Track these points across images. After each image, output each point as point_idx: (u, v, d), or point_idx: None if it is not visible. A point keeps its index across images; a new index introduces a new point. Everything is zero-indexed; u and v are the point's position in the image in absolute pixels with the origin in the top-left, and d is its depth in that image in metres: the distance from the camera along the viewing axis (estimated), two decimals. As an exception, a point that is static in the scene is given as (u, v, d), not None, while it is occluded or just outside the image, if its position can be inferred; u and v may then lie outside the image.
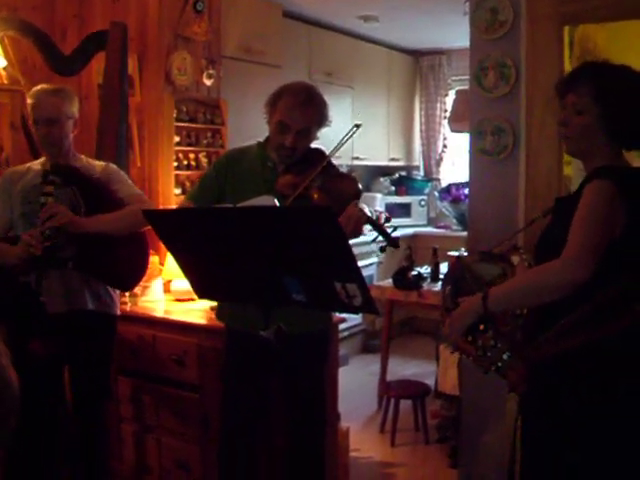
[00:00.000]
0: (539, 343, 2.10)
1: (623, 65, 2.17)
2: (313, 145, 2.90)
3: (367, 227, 2.62)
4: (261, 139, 2.95)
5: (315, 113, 2.79)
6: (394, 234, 2.62)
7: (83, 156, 3.29)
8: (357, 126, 2.68)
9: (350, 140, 2.68)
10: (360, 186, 2.80)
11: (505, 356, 2.15)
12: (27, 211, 3.06)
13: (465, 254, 3.75)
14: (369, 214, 2.60)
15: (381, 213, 2.67)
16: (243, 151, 2.99)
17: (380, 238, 2.62)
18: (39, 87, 3.12)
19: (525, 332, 2.17)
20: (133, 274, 3.27)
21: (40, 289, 2.91)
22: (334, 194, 2.66)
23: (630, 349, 2.03)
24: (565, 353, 2.06)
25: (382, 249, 2.65)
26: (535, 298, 2.08)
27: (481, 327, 2.19)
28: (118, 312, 3.29)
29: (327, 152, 2.83)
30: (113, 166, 3.31)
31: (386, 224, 2.64)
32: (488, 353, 2.17)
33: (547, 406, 2.14)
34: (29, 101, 3.10)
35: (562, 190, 3.08)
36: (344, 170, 6.15)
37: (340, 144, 2.68)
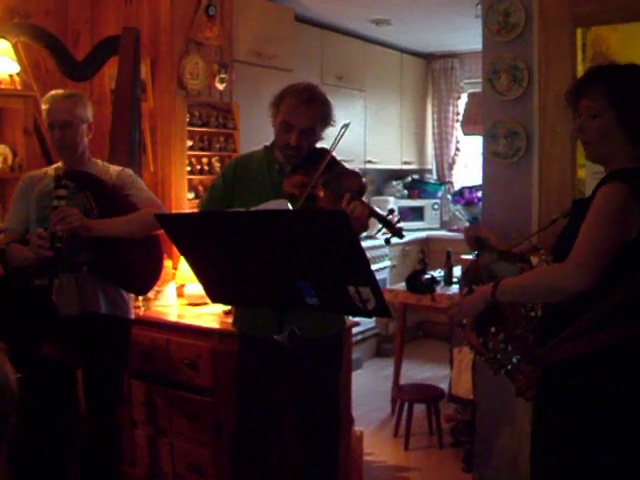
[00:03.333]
0: (553, 345, 2.08)
1: (631, 64, 2.16)
2: (318, 145, 2.90)
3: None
4: (268, 143, 2.95)
5: (318, 112, 2.80)
6: (399, 225, 2.62)
7: (99, 160, 3.30)
8: (345, 126, 2.71)
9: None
10: (364, 180, 2.80)
11: (515, 359, 2.14)
12: (42, 215, 3.08)
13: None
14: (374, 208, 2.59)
15: (393, 211, 2.67)
16: (250, 157, 3.00)
17: (385, 230, 2.63)
18: (53, 92, 3.16)
19: (538, 334, 2.15)
20: (148, 278, 3.29)
21: (51, 291, 2.91)
22: (339, 191, 2.66)
23: None
24: (580, 355, 2.04)
25: (387, 241, 2.66)
26: (541, 297, 2.13)
27: (492, 330, 2.19)
28: (132, 316, 3.30)
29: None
30: (129, 171, 3.31)
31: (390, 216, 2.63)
32: (498, 356, 2.17)
33: (559, 409, 2.12)
34: (43, 107, 3.13)
35: (575, 193, 3.06)
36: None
37: (335, 143, 2.73)
